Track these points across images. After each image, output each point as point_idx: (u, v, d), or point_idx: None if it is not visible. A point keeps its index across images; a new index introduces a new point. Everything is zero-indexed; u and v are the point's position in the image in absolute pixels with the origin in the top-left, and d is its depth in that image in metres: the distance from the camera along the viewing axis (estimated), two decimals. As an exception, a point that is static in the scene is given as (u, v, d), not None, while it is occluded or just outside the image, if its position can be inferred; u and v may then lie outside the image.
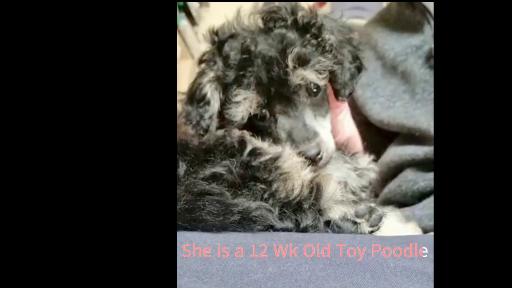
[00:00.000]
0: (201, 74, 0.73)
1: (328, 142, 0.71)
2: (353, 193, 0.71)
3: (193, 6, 2.82)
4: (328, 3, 2.80)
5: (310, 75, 0.68)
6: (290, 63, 0.66)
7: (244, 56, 0.68)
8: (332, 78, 0.72)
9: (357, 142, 0.85)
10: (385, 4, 1.11)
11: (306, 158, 0.66)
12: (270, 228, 0.54)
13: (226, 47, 0.71)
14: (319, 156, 0.68)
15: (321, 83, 0.70)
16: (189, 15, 2.77)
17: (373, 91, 0.94)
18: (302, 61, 0.67)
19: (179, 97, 0.77)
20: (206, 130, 0.71)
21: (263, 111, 0.70)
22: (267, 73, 0.66)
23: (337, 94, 0.74)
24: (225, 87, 0.70)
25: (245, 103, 0.68)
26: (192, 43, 2.86)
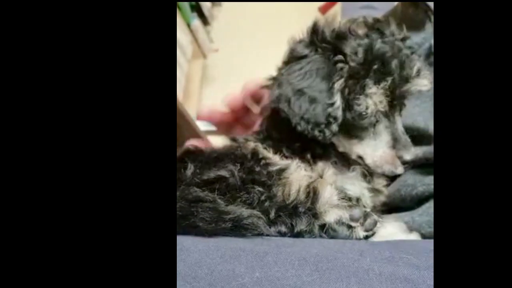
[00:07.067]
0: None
1: None
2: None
3: (205, 5, 2.84)
4: (339, 3, 2.78)
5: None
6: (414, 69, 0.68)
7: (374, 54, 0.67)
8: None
9: None
10: (396, 2, 1.10)
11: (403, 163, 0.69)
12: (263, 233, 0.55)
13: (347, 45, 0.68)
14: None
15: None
16: (201, 15, 2.79)
17: None
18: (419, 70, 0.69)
19: None
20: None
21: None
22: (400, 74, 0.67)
23: None
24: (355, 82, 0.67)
25: (375, 97, 0.66)
26: (204, 42, 2.89)
